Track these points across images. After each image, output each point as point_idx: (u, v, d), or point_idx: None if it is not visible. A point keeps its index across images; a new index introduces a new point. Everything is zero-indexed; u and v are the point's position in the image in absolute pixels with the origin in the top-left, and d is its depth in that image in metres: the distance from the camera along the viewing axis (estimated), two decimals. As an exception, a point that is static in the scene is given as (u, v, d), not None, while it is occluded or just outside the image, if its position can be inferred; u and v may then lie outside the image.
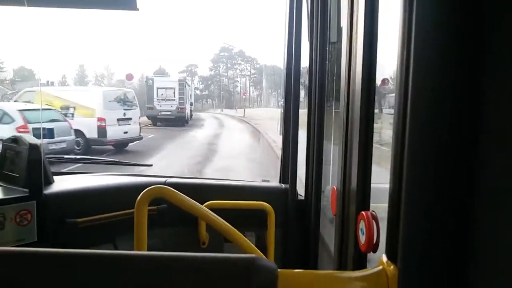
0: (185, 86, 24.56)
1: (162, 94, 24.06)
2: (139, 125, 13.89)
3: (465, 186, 0.71)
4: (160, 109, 23.64)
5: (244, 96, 49.56)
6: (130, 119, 13.14)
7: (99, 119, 12.10)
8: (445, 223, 0.73)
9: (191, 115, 28.44)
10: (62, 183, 1.79)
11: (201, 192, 1.97)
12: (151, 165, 2.61)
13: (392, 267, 0.76)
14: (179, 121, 23.66)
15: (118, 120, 12.60)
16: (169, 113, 23.59)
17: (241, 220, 1.45)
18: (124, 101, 13.08)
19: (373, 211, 0.98)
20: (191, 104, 29.10)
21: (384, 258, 0.79)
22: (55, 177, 1.80)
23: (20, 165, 1.63)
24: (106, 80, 64.00)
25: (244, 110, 36.68)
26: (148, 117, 23.81)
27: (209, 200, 1.76)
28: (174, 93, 23.99)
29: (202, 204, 1.39)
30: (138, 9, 1.57)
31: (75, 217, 1.64)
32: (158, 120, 23.94)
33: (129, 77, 30.62)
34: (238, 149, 14.27)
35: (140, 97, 20.15)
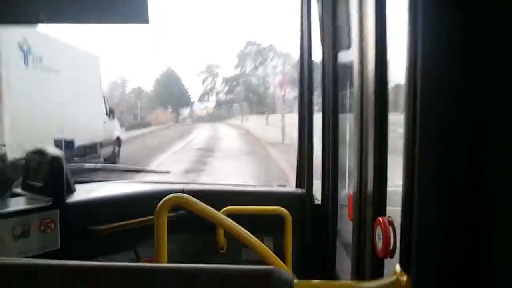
0: None
1: None
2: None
3: (481, 193, 0.71)
4: None
5: (282, 92, 25.76)
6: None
7: None
8: (460, 232, 0.72)
9: (117, 145, 11.43)
10: (83, 192, 1.83)
11: (219, 197, 1.99)
12: (169, 172, 2.67)
13: (405, 277, 0.76)
14: None
15: None
16: None
17: (258, 225, 1.46)
18: None
19: (390, 216, 0.98)
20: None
21: (398, 268, 0.80)
22: (76, 186, 1.85)
23: (43, 175, 1.68)
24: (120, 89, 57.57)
25: (284, 127, 16.87)
26: None
27: (227, 206, 1.77)
28: None
29: (219, 209, 1.41)
30: (149, 22, 1.61)
31: (96, 224, 1.68)
32: None
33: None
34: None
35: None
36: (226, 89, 60.33)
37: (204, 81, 59.64)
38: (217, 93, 60.28)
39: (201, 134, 25.61)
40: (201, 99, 59.01)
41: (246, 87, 57.93)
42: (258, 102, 54.14)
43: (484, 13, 0.69)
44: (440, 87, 0.73)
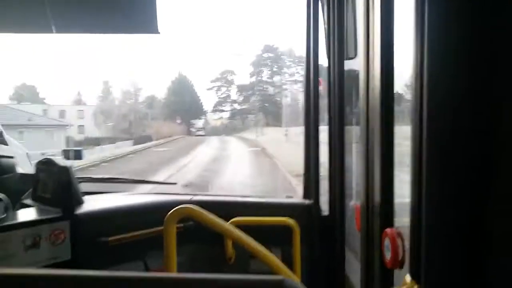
0: None
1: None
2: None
3: (490, 203, 0.71)
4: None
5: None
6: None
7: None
8: (469, 241, 0.73)
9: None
10: (92, 203, 1.85)
11: (226, 208, 2.00)
12: (176, 183, 2.68)
13: (416, 287, 0.77)
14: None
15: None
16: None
17: (266, 236, 1.46)
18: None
19: (398, 227, 0.98)
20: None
21: (408, 277, 0.80)
22: (85, 197, 1.86)
23: (52, 187, 1.70)
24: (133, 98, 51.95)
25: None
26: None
27: (234, 216, 1.78)
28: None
29: (227, 220, 1.41)
30: (159, 33, 1.64)
31: (105, 235, 1.69)
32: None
33: None
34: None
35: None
36: (241, 98, 54.30)
37: (218, 89, 54.68)
38: (232, 103, 54.44)
39: (203, 152, 19.69)
40: (215, 109, 54.73)
41: (262, 96, 51.69)
42: (276, 113, 46.53)
43: (491, 21, 0.70)
44: (447, 97, 0.74)
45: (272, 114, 48.42)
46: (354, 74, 1.63)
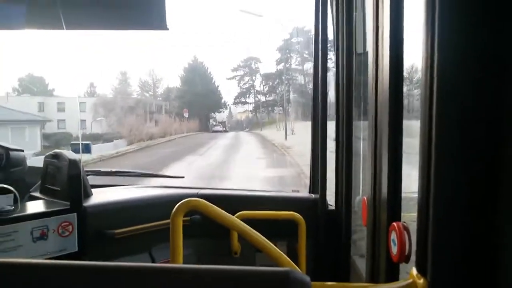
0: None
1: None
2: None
3: (498, 196, 0.71)
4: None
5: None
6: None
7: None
8: (476, 236, 0.73)
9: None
10: (100, 196, 1.86)
11: (233, 202, 2.01)
12: (183, 177, 2.69)
13: (422, 280, 0.77)
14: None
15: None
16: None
17: (272, 230, 1.46)
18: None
19: (405, 222, 0.98)
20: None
21: (414, 271, 0.80)
22: (93, 190, 1.88)
23: (61, 179, 1.72)
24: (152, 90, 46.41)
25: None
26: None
27: (240, 210, 1.79)
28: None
29: (233, 214, 1.42)
30: (168, 29, 1.64)
31: (113, 228, 1.70)
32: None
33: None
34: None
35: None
36: (266, 88, 47.52)
37: (241, 78, 47.99)
38: (256, 94, 47.67)
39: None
40: (237, 101, 48.46)
41: (291, 86, 43.67)
42: (308, 105, 36.98)
43: (502, 15, 0.70)
44: (456, 91, 0.73)
45: (303, 106, 37.99)
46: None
